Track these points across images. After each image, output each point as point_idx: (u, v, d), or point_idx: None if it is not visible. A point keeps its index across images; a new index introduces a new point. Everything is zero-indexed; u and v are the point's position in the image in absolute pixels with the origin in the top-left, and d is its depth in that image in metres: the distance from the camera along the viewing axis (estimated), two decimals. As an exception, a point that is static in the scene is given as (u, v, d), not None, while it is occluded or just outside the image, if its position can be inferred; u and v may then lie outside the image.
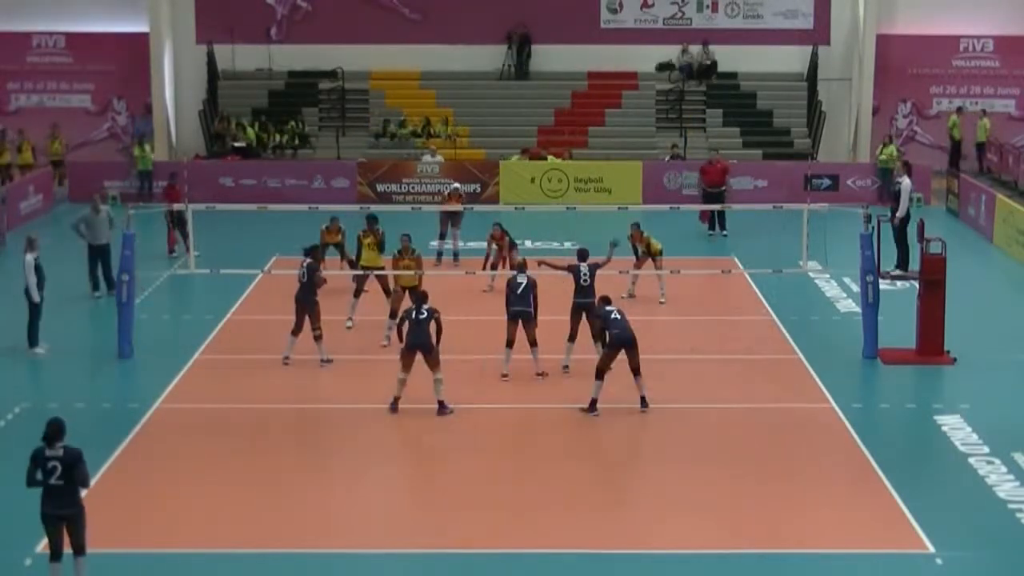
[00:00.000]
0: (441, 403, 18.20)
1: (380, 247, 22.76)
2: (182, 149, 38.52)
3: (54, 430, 12.69)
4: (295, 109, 38.09)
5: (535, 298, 19.85)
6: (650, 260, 24.12)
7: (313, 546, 14.38)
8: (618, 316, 18.35)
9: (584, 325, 20.10)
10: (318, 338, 20.41)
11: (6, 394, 19.18)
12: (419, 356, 18.04)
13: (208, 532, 14.85)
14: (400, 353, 18.25)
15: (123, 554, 14.12)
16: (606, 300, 18.89)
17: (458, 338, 21.76)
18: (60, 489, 12.59)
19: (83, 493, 12.96)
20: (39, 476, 12.62)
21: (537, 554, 14.19)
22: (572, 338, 20.12)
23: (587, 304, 19.88)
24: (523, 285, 19.78)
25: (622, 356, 18.28)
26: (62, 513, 12.64)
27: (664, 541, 14.56)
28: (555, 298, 21.24)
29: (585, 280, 20.09)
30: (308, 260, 20.65)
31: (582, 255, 20.43)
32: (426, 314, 18.09)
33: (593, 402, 18.27)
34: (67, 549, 12.93)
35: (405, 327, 18.19)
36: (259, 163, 35.95)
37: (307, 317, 20.39)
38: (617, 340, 18.20)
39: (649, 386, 18.88)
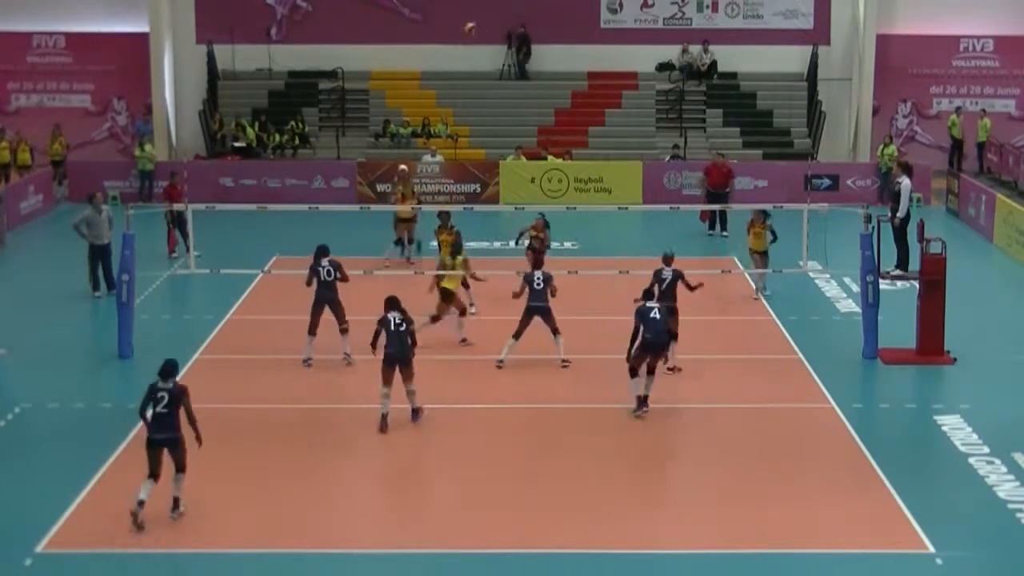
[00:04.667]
0: (413, 411, 17.81)
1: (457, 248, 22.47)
2: (182, 149, 38.55)
3: (169, 367, 14.84)
4: (295, 109, 38.10)
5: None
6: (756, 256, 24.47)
7: (313, 546, 14.37)
8: (657, 316, 18.11)
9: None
10: (344, 331, 20.37)
11: (6, 394, 19.20)
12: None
13: (208, 532, 14.83)
14: (381, 368, 17.64)
15: (123, 554, 14.13)
16: (648, 295, 18.68)
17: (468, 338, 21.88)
18: (164, 416, 14.59)
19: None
20: (149, 407, 14.70)
21: (537, 554, 14.19)
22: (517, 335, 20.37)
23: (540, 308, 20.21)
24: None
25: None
26: (163, 437, 14.58)
27: (664, 541, 14.56)
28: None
29: (538, 284, 20.26)
30: (328, 258, 20.60)
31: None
32: (404, 325, 17.54)
33: (639, 399, 18.19)
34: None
35: (381, 339, 17.66)
36: (259, 163, 35.98)
37: (332, 314, 20.37)
38: (649, 344, 18.02)
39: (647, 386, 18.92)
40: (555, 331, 20.26)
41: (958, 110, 37.87)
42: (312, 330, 20.51)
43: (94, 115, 39.56)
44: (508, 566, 14.01)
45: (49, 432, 17.85)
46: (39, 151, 36.33)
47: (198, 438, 14.81)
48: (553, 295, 20.28)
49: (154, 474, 14.61)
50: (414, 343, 17.65)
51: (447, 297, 21.20)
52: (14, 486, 15.97)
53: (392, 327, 17.49)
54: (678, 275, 20.13)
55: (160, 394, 14.68)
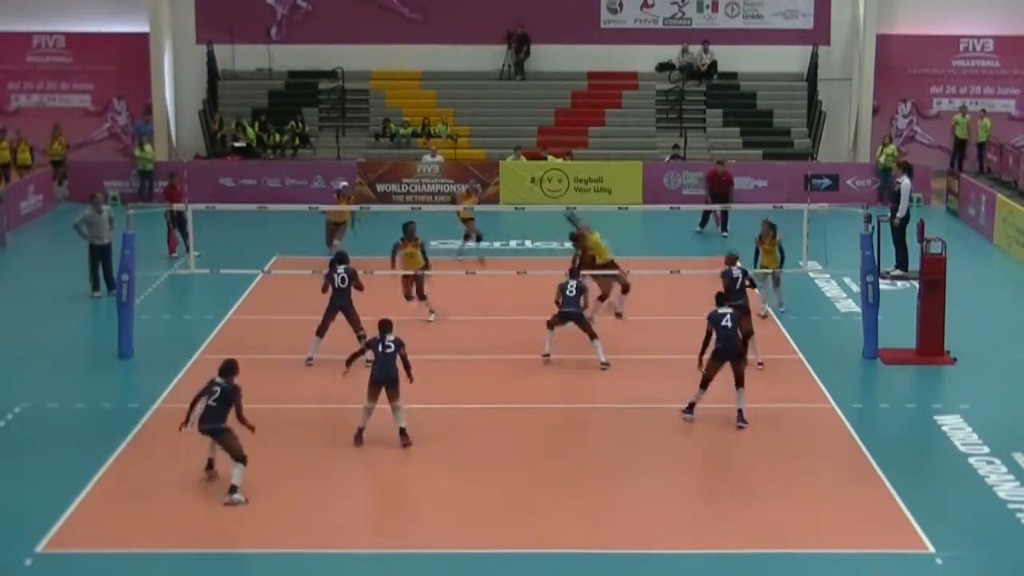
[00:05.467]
0: (403, 431, 17.16)
1: (423, 254, 22.88)
2: (182, 149, 38.54)
3: (228, 365, 15.83)
4: (295, 109, 38.10)
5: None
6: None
7: (313, 546, 14.38)
8: (728, 324, 17.78)
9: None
10: (362, 338, 20.35)
11: (6, 394, 19.18)
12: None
13: (208, 532, 14.86)
14: (367, 387, 17.24)
15: (123, 554, 14.14)
16: (720, 301, 18.45)
17: (465, 338, 21.89)
18: (213, 409, 15.58)
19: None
20: (203, 398, 15.70)
21: (538, 554, 14.20)
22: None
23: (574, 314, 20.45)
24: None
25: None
26: (209, 428, 15.59)
27: (664, 541, 14.56)
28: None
29: (571, 292, 20.39)
30: (344, 265, 20.58)
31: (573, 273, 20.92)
32: (392, 347, 17.12)
33: (691, 405, 17.99)
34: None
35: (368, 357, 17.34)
36: (259, 163, 35.98)
37: (346, 321, 20.42)
38: (720, 352, 17.80)
39: (649, 386, 18.90)
40: (591, 336, 20.37)
41: (963, 110, 37.74)
42: (321, 332, 20.51)
43: (94, 115, 39.54)
44: (508, 566, 14.02)
45: (49, 432, 17.85)
46: (39, 151, 36.32)
47: (250, 428, 15.72)
48: (585, 307, 20.47)
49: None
50: (407, 367, 17.23)
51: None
52: (14, 486, 15.96)
53: (381, 348, 17.17)
54: (744, 272, 20.36)
55: (215, 388, 15.63)
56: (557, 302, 20.57)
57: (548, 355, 20.55)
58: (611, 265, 22.36)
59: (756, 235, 23.58)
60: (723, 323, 17.80)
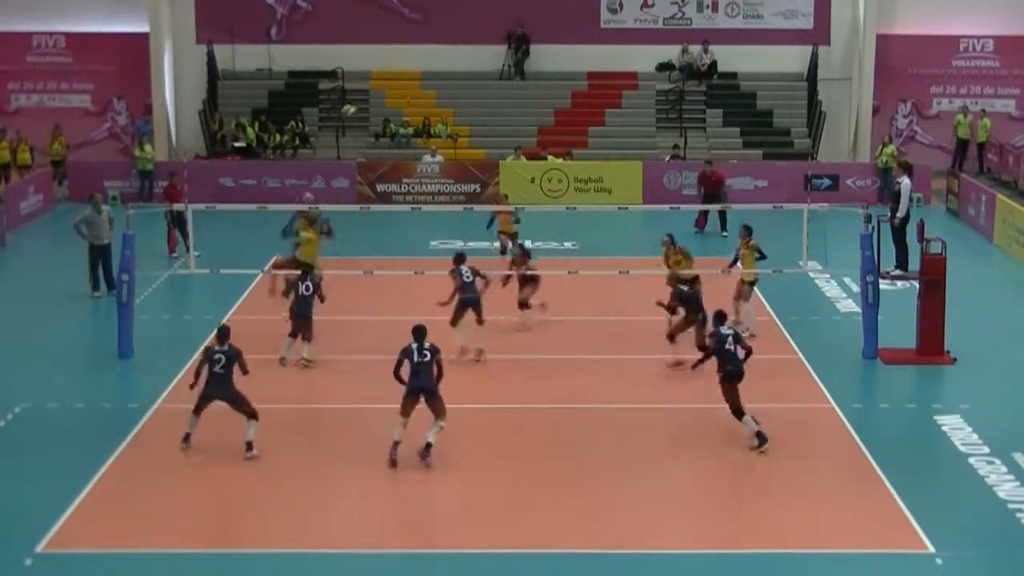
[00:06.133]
0: (429, 446, 16.44)
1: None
2: (182, 149, 38.54)
3: (224, 332, 16.75)
4: (295, 109, 38.10)
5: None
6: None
7: (313, 546, 14.38)
8: (731, 347, 17.27)
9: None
10: (307, 339, 20.57)
11: (6, 394, 19.18)
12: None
13: (208, 532, 14.87)
14: (402, 398, 16.55)
15: (123, 554, 14.14)
16: (721, 318, 17.83)
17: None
18: (222, 376, 16.45)
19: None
20: (205, 369, 16.53)
21: (537, 554, 14.20)
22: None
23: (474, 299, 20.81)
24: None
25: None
26: (220, 395, 16.49)
27: (664, 541, 14.56)
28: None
29: (468, 278, 20.80)
30: (311, 274, 20.83)
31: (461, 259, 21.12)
32: (428, 356, 16.46)
33: (758, 434, 17.19)
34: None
35: (404, 368, 16.43)
36: (259, 163, 35.98)
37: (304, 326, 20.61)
38: (733, 374, 17.31)
39: (649, 386, 18.85)
40: (479, 322, 20.82)
41: (964, 110, 37.66)
42: (293, 334, 20.63)
43: (94, 115, 39.54)
44: (508, 566, 14.02)
45: (49, 432, 17.86)
46: (39, 151, 36.31)
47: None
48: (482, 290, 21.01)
49: (197, 411, 16.72)
50: (440, 374, 16.61)
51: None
52: (14, 486, 15.97)
53: (416, 358, 16.50)
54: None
55: (217, 356, 16.47)
56: (455, 292, 20.68)
57: (481, 350, 20.63)
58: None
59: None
60: (727, 346, 17.32)
